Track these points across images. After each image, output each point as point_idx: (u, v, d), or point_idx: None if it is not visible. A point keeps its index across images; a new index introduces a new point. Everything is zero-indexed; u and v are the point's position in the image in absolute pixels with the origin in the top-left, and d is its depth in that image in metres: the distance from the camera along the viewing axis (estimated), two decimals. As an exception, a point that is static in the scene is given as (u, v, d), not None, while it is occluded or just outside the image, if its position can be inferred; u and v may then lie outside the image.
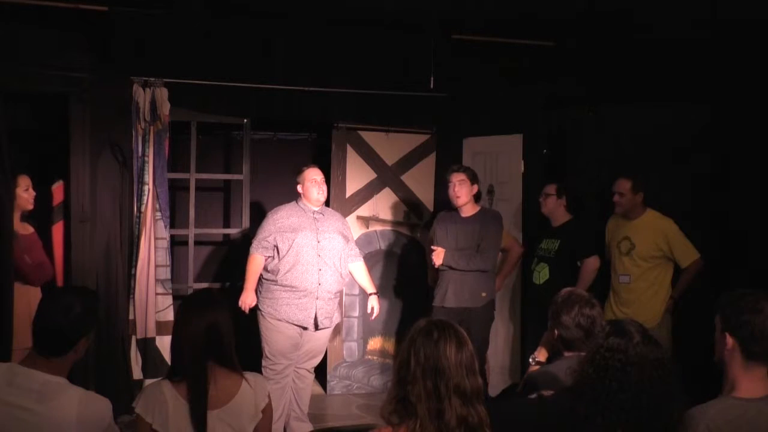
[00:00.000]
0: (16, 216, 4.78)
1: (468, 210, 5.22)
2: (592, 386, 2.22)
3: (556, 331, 2.97)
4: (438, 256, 5.14)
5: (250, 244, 5.05)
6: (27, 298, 4.51)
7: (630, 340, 2.24)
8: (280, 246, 4.87)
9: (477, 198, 5.29)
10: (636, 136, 5.53)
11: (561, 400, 2.40)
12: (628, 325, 2.31)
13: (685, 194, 5.32)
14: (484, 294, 5.11)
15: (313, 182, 5.02)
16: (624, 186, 5.10)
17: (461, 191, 5.17)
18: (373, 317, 5.37)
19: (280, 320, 4.88)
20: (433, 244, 5.29)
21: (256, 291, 5.01)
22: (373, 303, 5.26)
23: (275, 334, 4.89)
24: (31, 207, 4.93)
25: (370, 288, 5.30)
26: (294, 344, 4.94)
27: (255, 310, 5.00)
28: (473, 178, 5.21)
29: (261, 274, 4.98)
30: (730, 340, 2.36)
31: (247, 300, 4.96)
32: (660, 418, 2.17)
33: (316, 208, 5.06)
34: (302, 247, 4.87)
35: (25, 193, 4.85)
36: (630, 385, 2.18)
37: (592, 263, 5.27)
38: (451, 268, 5.12)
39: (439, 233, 5.27)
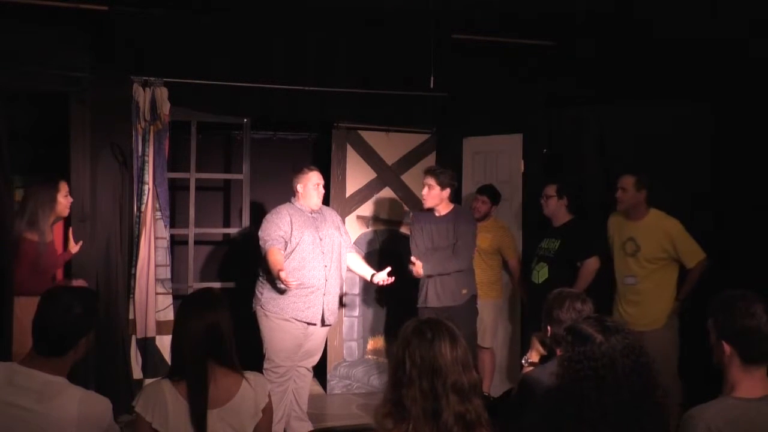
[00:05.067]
0: (50, 220, 4.72)
1: (442, 209, 5.23)
2: (574, 402, 2.20)
3: (549, 329, 2.97)
4: (418, 270, 5.12)
5: (250, 243, 5.02)
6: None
7: (593, 343, 2.21)
8: (290, 244, 4.88)
9: (451, 197, 5.26)
10: (636, 135, 5.52)
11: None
12: (585, 327, 2.27)
13: (686, 193, 5.30)
14: (464, 291, 5.15)
15: (315, 186, 5.05)
16: (627, 182, 5.01)
17: (428, 196, 5.18)
18: (389, 281, 5.08)
19: (286, 320, 4.87)
20: (412, 245, 5.28)
21: (256, 292, 5.00)
22: (382, 276, 5.06)
23: (280, 333, 4.88)
24: (66, 213, 4.89)
25: (369, 270, 5.22)
26: (297, 344, 4.93)
27: (255, 312, 4.98)
28: (443, 184, 5.14)
29: (263, 275, 4.95)
30: (727, 347, 2.35)
31: (288, 276, 4.64)
32: (646, 402, 2.17)
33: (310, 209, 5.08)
34: (308, 244, 4.90)
35: (64, 200, 4.79)
36: (608, 388, 2.16)
37: (591, 264, 5.25)
38: (431, 276, 5.11)
39: (416, 233, 5.29)
